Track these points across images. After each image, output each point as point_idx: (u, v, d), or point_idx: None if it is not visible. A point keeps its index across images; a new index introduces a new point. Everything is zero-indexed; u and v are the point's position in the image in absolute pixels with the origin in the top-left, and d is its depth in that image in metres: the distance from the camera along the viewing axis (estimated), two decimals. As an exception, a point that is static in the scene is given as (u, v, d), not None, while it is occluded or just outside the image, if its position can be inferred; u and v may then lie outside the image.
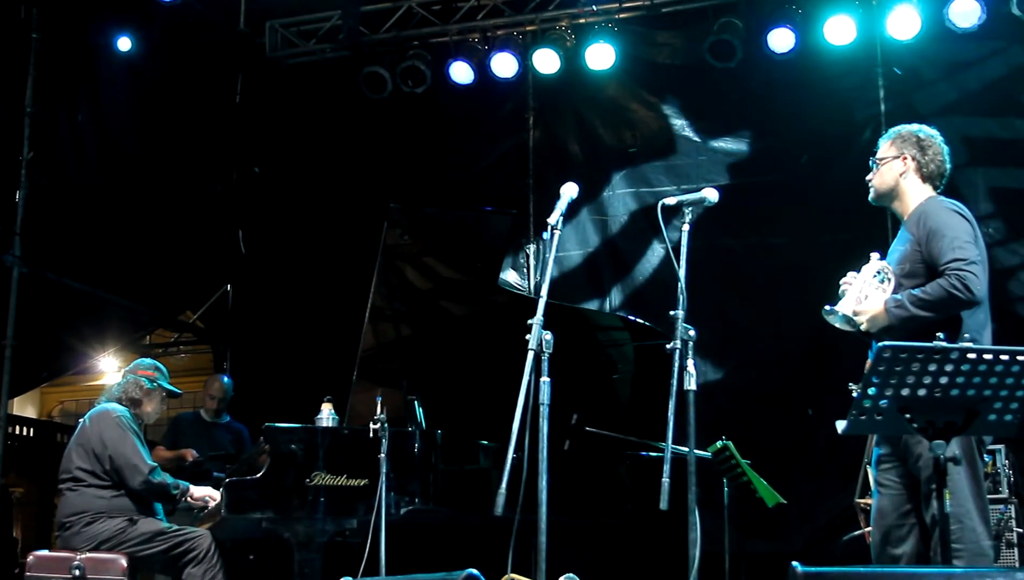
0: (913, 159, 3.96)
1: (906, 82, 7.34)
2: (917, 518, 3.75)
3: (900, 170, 3.96)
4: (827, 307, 3.84)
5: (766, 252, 7.52)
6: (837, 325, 3.84)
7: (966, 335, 3.56)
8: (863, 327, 3.80)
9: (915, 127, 4.05)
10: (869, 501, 5.64)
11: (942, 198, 3.95)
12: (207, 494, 5.34)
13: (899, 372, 2.88)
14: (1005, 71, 7.15)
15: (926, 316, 3.62)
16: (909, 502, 3.77)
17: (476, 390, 5.65)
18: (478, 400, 5.55)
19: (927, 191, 3.97)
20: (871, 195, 4.07)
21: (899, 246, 3.93)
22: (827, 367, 6.85)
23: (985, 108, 7.18)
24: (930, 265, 3.73)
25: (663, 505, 3.37)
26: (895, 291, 3.76)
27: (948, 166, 4.01)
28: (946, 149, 4.02)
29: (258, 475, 4.86)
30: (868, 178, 4.07)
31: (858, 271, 3.89)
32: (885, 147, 4.04)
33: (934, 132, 4.04)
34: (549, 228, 3.64)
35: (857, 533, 5.92)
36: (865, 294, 3.78)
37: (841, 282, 3.92)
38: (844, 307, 3.80)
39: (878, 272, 3.81)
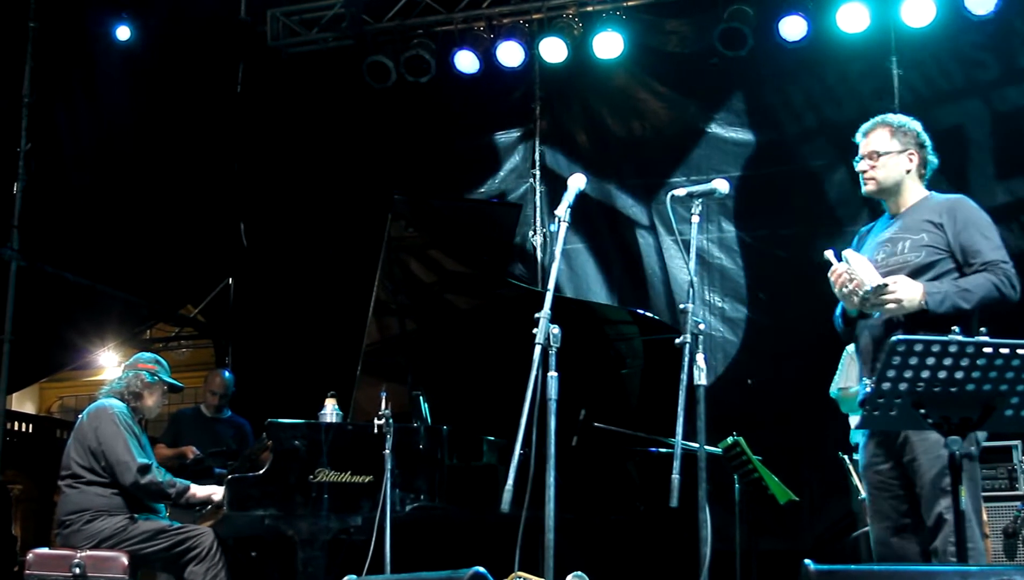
0: (917, 155, 3.96)
1: (920, 71, 7.21)
2: (913, 517, 3.68)
3: (907, 166, 3.95)
4: (870, 287, 3.58)
5: (776, 243, 7.43)
6: (857, 305, 3.66)
7: (982, 329, 3.48)
8: (888, 306, 3.63)
9: (904, 119, 4.03)
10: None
11: (962, 196, 3.94)
12: (210, 493, 5.20)
13: (914, 366, 2.83)
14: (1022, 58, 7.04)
15: (965, 308, 3.59)
16: (907, 502, 3.71)
17: (482, 385, 5.59)
18: (484, 395, 5.49)
19: (922, 187, 3.98)
20: (870, 188, 3.99)
21: (903, 236, 3.83)
22: (839, 361, 6.74)
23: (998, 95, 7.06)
24: (958, 259, 3.72)
25: (673, 502, 3.31)
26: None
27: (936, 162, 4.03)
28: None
29: (261, 472, 4.81)
30: (863, 169, 3.98)
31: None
32: (885, 140, 3.96)
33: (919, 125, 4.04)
34: (557, 220, 3.60)
35: (867, 530, 5.84)
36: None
37: (833, 277, 3.74)
38: (872, 280, 3.59)
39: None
